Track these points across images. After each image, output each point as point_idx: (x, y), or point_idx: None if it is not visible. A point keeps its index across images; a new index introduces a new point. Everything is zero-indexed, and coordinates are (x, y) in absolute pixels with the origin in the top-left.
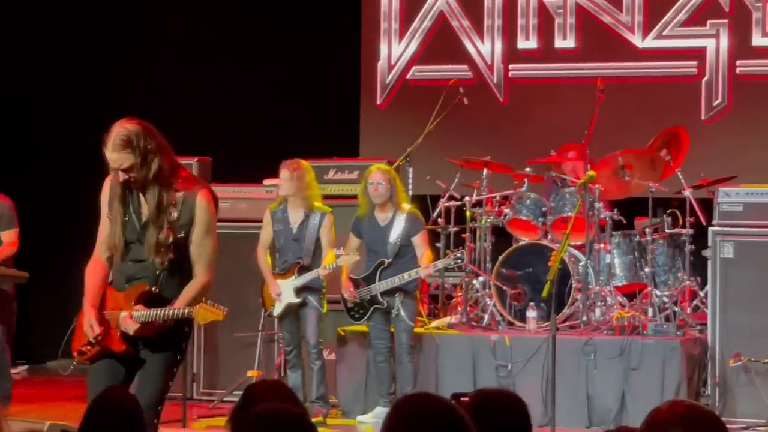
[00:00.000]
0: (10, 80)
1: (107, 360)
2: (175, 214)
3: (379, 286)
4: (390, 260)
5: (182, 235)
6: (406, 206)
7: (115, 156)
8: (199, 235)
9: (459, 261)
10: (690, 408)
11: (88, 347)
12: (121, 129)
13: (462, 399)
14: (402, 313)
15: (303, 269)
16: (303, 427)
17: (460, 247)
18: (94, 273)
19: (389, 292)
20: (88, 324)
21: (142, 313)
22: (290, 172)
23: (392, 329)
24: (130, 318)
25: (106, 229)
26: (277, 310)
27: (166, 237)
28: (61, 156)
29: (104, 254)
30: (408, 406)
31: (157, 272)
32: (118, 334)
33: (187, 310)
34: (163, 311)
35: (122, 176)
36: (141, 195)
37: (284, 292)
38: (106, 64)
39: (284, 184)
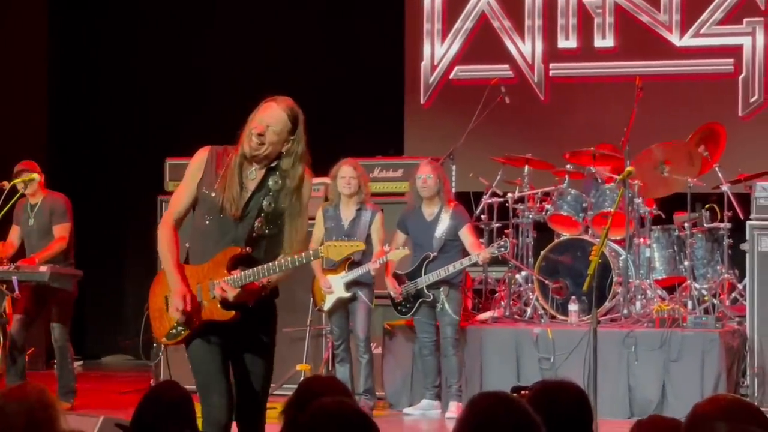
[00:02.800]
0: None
1: (208, 336)
2: (273, 204)
3: (426, 279)
4: (435, 254)
5: (285, 205)
6: (452, 203)
7: (279, 114)
8: (305, 219)
9: (503, 249)
10: (733, 402)
11: (184, 324)
12: (287, 100)
13: (522, 392)
14: (447, 306)
15: (353, 265)
16: (367, 423)
17: (503, 236)
18: (172, 240)
19: (435, 286)
20: (181, 295)
21: (241, 274)
22: (355, 170)
23: (437, 323)
24: (225, 283)
25: (189, 199)
26: (328, 304)
27: (260, 224)
28: (114, 158)
29: (178, 223)
30: (484, 407)
31: (254, 235)
32: (218, 303)
33: (312, 252)
34: (273, 264)
35: (263, 129)
36: (248, 167)
37: (335, 286)
38: (149, 62)
39: (350, 183)
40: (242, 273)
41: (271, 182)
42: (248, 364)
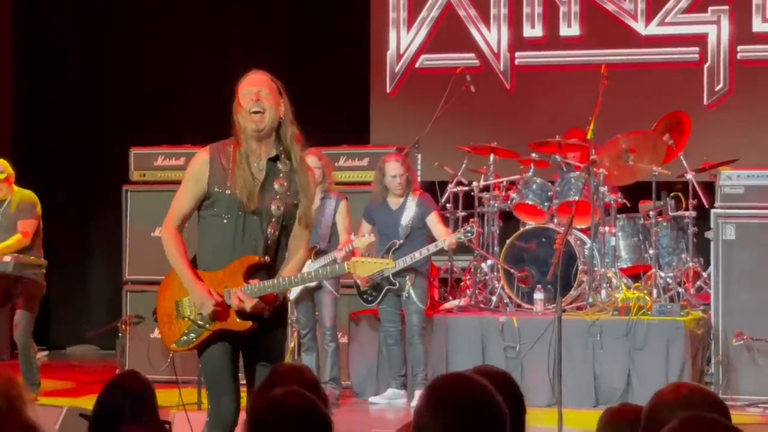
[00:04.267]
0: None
1: (221, 343)
2: (286, 183)
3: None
4: (401, 242)
5: (295, 203)
6: (417, 191)
7: (261, 77)
8: (308, 207)
9: (469, 234)
10: (693, 390)
11: (196, 332)
12: (267, 76)
13: None
14: (413, 294)
15: (319, 253)
16: (314, 413)
17: (470, 220)
18: (179, 242)
19: (401, 274)
20: (205, 294)
21: (260, 285)
22: (318, 159)
23: (403, 312)
24: (242, 293)
25: (191, 202)
26: (294, 293)
27: (278, 207)
28: (79, 148)
29: (181, 226)
30: (442, 387)
31: (269, 242)
32: (234, 312)
33: (338, 267)
34: (294, 277)
35: (255, 94)
36: (252, 156)
37: None
38: (118, 53)
39: (313, 172)
40: (261, 284)
41: (279, 165)
42: (260, 371)
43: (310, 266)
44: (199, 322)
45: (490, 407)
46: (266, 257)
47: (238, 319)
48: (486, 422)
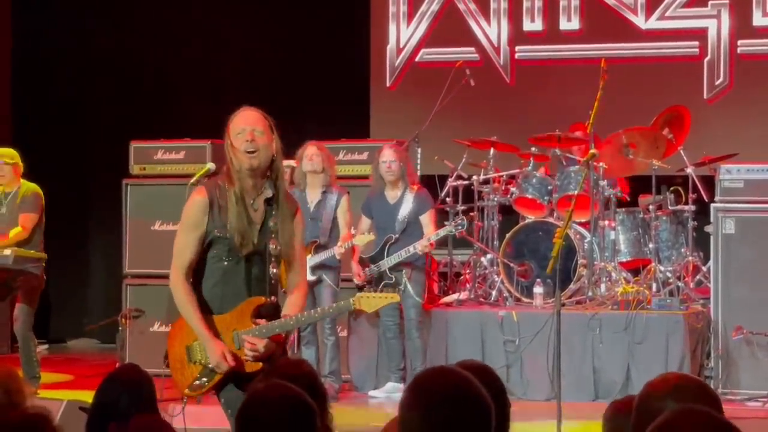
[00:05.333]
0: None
1: (231, 386)
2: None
3: (387, 262)
4: (397, 236)
5: (285, 240)
6: (415, 185)
7: (255, 115)
8: (299, 241)
9: (460, 227)
10: (681, 379)
11: (209, 376)
12: (260, 113)
13: None
14: (409, 288)
15: (319, 248)
16: (296, 403)
17: (460, 213)
18: (189, 293)
19: (397, 268)
20: (218, 357)
21: (268, 326)
22: (318, 149)
23: (401, 306)
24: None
25: (195, 249)
26: None
27: (275, 247)
28: (78, 141)
29: (188, 276)
30: (425, 381)
31: (273, 282)
32: (244, 355)
33: (344, 303)
34: (301, 315)
35: (249, 134)
36: (248, 198)
37: None
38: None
39: (313, 159)
40: (270, 324)
41: (271, 223)
42: None
43: (310, 260)
44: (211, 366)
45: (475, 400)
46: (272, 297)
47: (250, 362)
48: (470, 415)
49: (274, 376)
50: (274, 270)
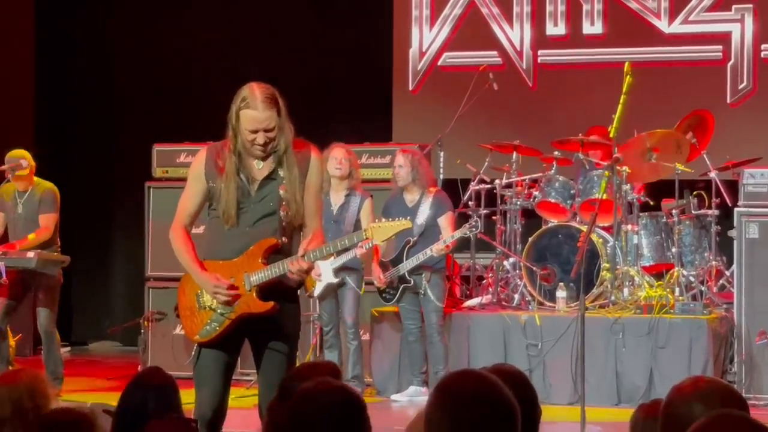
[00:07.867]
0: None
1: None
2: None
3: (406, 265)
4: (416, 239)
5: (298, 191)
6: (433, 188)
7: (266, 114)
8: (315, 193)
9: (474, 230)
10: (710, 383)
11: (218, 321)
12: (265, 87)
13: None
14: (429, 293)
15: (342, 250)
16: (353, 402)
17: (474, 216)
18: (185, 239)
19: (417, 272)
20: (212, 285)
21: (314, 252)
22: (347, 153)
23: (422, 310)
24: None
25: (195, 200)
26: (318, 290)
27: (285, 213)
28: (102, 144)
29: (188, 225)
30: (452, 383)
31: (284, 224)
32: (254, 294)
33: (355, 234)
34: (327, 245)
35: (262, 138)
36: (249, 158)
37: (324, 272)
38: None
39: (342, 165)
40: (310, 252)
41: (281, 172)
42: (269, 357)
43: (333, 264)
44: (220, 311)
45: (500, 402)
46: (283, 238)
47: (261, 300)
48: (495, 417)
49: (297, 380)
50: (284, 212)
